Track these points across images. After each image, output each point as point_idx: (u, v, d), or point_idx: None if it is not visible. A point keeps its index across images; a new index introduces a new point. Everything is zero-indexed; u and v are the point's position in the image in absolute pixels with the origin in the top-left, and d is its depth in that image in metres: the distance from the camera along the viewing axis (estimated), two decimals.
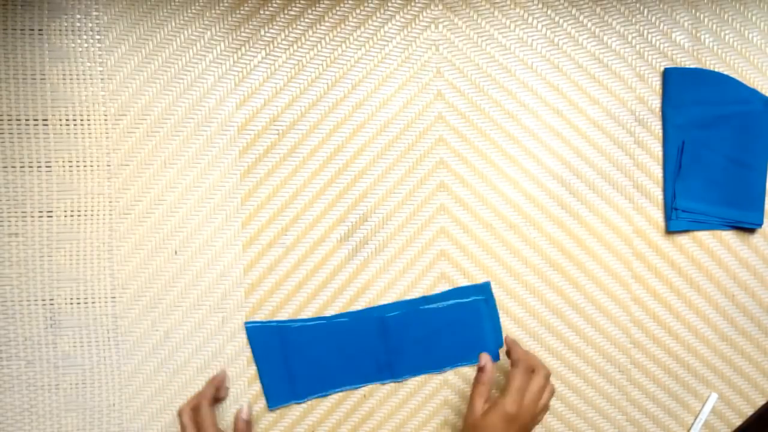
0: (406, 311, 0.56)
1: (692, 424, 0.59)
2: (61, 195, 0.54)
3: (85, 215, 0.55)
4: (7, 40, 0.53)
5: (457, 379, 0.57)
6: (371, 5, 0.56)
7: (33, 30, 0.53)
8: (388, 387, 0.57)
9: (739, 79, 0.57)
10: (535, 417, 0.49)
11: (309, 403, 0.56)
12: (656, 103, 0.58)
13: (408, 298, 0.57)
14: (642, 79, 0.58)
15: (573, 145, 0.57)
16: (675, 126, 0.57)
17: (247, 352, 0.56)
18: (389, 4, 0.56)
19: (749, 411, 0.60)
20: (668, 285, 0.58)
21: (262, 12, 0.55)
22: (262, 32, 0.55)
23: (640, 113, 0.58)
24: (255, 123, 0.55)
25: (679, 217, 0.57)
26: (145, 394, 0.55)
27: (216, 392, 0.53)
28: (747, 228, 0.58)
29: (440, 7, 0.56)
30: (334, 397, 0.57)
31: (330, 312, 0.56)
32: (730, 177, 0.57)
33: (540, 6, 0.57)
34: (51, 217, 0.54)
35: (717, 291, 0.59)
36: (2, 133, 0.53)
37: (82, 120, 0.54)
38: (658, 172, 0.58)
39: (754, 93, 0.57)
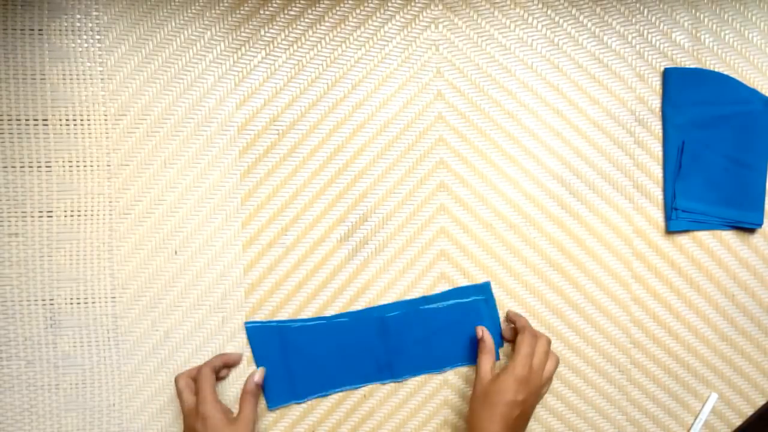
0: (406, 311, 0.56)
1: (692, 424, 0.59)
2: (61, 195, 0.54)
3: (85, 215, 0.55)
4: (7, 40, 0.53)
5: (457, 379, 0.57)
6: (371, 5, 0.56)
7: (33, 30, 0.53)
8: (388, 387, 0.57)
9: (739, 79, 0.57)
10: (542, 385, 0.50)
11: (309, 403, 0.56)
12: (656, 103, 0.58)
13: (408, 298, 0.57)
14: (642, 79, 0.58)
15: (573, 145, 0.57)
16: (675, 126, 0.57)
17: (247, 352, 0.56)
18: (389, 4, 0.56)
19: (749, 411, 0.60)
20: (668, 285, 0.58)
21: (262, 12, 0.55)
22: (262, 32, 0.55)
23: (640, 113, 0.58)
24: (255, 123, 0.55)
25: (679, 217, 0.57)
26: (145, 394, 0.55)
27: (221, 367, 0.53)
28: (747, 228, 0.58)
29: (440, 7, 0.56)
30: (334, 397, 0.57)
31: (330, 312, 0.56)
32: (730, 177, 0.57)
33: (540, 6, 0.57)
34: (51, 217, 0.54)
35: (717, 291, 0.59)
36: (2, 133, 0.53)
37: (82, 120, 0.54)
38: (658, 172, 0.58)
39: (754, 93, 0.57)
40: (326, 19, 0.56)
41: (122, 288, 0.55)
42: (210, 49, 0.55)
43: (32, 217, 0.54)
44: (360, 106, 0.56)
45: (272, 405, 0.56)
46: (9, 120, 0.53)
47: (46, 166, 0.54)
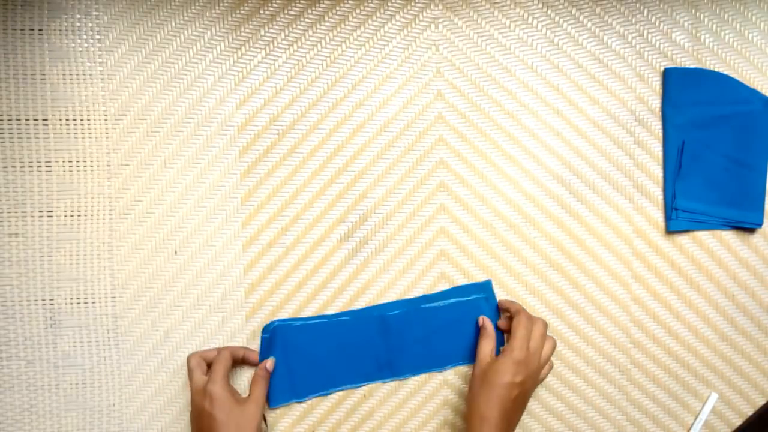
0: (407, 310, 0.56)
1: (692, 424, 0.59)
2: (61, 195, 0.54)
3: (85, 215, 0.55)
4: (7, 40, 0.53)
5: (457, 378, 0.57)
6: (371, 5, 0.56)
7: (33, 30, 0.53)
8: (389, 387, 0.57)
9: (739, 79, 0.57)
10: (541, 368, 0.51)
11: (309, 402, 0.56)
12: (656, 103, 0.58)
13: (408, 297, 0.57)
14: (642, 79, 0.58)
15: (573, 145, 0.57)
16: (675, 126, 0.57)
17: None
18: (389, 4, 0.56)
19: (749, 411, 0.60)
20: (668, 285, 0.58)
21: (262, 12, 0.55)
22: (262, 32, 0.55)
23: (640, 113, 0.58)
24: (255, 123, 0.55)
25: (679, 217, 0.57)
26: (145, 394, 0.55)
27: (240, 360, 0.53)
28: (747, 228, 0.58)
29: (440, 7, 0.56)
30: (334, 397, 0.57)
31: (330, 312, 0.56)
32: (730, 177, 0.57)
33: (540, 6, 0.57)
34: (51, 217, 0.54)
35: (717, 291, 0.59)
36: (2, 133, 0.53)
37: (82, 120, 0.54)
38: (658, 172, 0.58)
39: (754, 93, 0.57)
40: (326, 19, 0.56)
41: (122, 288, 0.55)
42: (210, 49, 0.55)
43: (32, 217, 0.54)
44: (360, 106, 0.56)
45: (273, 403, 0.56)
46: (9, 120, 0.53)
47: (46, 166, 0.54)
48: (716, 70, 0.57)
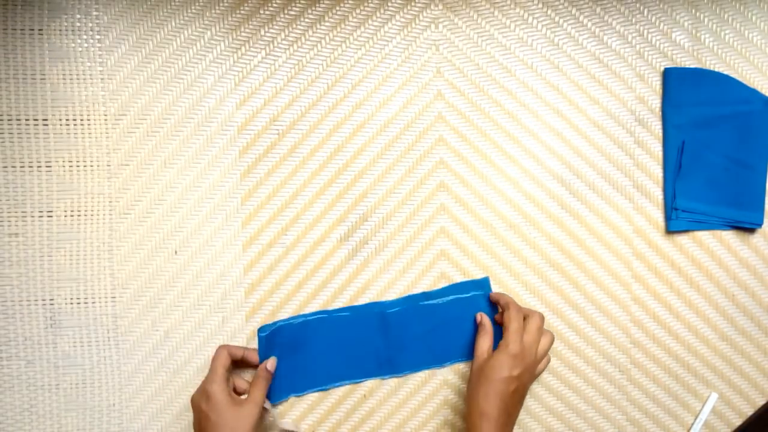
0: (407, 307, 0.56)
1: (692, 424, 0.59)
2: (61, 195, 0.54)
3: (85, 215, 0.55)
4: (7, 40, 0.53)
5: (456, 378, 0.57)
6: (371, 5, 0.56)
7: (33, 30, 0.53)
8: (389, 386, 0.57)
9: (739, 79, 0.57)
10: (538, 361, 0.51)
11: (309, 402, 0.56)
12: (656, 103, 0.58)
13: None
14: (642, 79, 0.58)
15: (573, 145, 0.57)
16: (675, 126, 0.57)
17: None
18: (389, 4, 0.56)
19: (749, 411, 0.60)
20: (668, 285, 0.58)
21: (262, 12, 0.55)
22: (262, 32, 0.55)
23: (640, 113, 0.58)
24: (255, 123, 0.55)
25: (679, 217, 0.57)
26: (145, 394, 0.55)
27: (239, 358, 0.53)
28: (747, 228, 0.58)
29: (440, 7, 0.56)
30: (334, 397, 0.57)
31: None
32: (730, 177, 0.57)
33: (540, 6, 0.57)
34: (51, 217, 0.54)
35: (717, 291, 0.59)
36: (2, 133, 0.53)
37: (82, 120, 0.54)
38: (658, 172, 0.58)
39: (754, 93, 0.57)
40: (326, 19, 0.56)
41: (122, 288, 0.55)
42: (210, 49, 0.55)
43: (32, 217, 0.54)
44: (360, 106, 0.56)
45: (274, 400, 0.56)
46: (9, 120, 0.53)
47: (46, 166, 0.54)
48: (716, 70, 0.57)
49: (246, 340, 0.56)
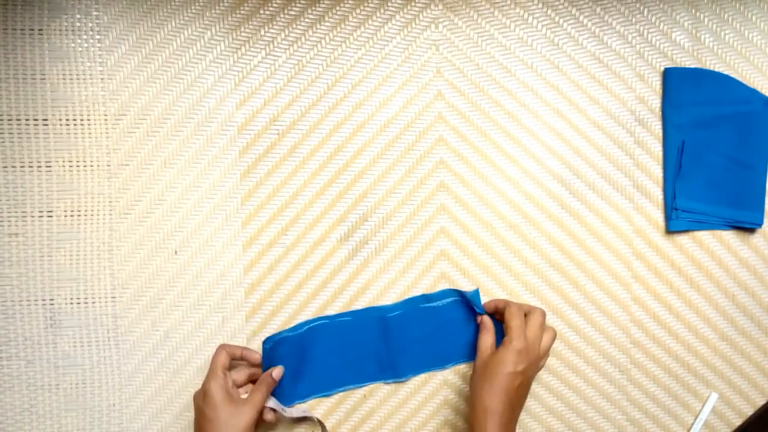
0: (407, 310, 0.56)
1: (692, 424, 0.59)
2: (61, 195, 0.54)
3: (85, 215, 0.55)
4: (7, 40, 0.53)
5: (457, 378, 0.57)
6: (371, 5, 0.56)
7: (33, 30, 0.53)
8: (389, 387, 0.57)
9: (739, 79, 0.57)
10: (541, 357, 0.51)
11: (309, 402, 0.56)
12: (656, 103, 0.58)
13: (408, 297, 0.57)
14: (642, 79, 0.58)
15: (573, 145, 0.57)
16: (675, 126, 0.57)
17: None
18: (389, 4, 0.56)
19: (749, 411, 0.60)
20: (668, 285, 0.58)
21: (262, 12, 0.55)
22: (262, 32, 0.55)
23: (640, 113, 0.58)
24: (255, 123, 0.55)
25: (679, 217, 0.57)
26: (145, 394, 0.55)
27: (239, 357, 0.53)
28: (747, 228, 0.58)
29: (440, 7, 0.56)
30: (334, 397, 0.57)
31: (330, 312, 0.56)
32: (730, 177, 0.57)
33: (540, 6, 0.57)
34: (51, 217, 0.54)
35: (717, 291, 0.59)
36: (2, 133, 0.53)
37: (82, 120, 0.54)
38: (658, 172, 0.58)
39: (754, 93, 0.57)
40: (326, 19, 0.56)
41: (122, 288, 0.55)
42: (210, 49, 0.55)
43: (32, 217, 0.54)
44: (360, 106, 0.56)
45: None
46: (9, 120, 0.53)
47: (46, 166, 0.54)
48: (716, 70, 0.57)
49: (246, 340, 0.56)
